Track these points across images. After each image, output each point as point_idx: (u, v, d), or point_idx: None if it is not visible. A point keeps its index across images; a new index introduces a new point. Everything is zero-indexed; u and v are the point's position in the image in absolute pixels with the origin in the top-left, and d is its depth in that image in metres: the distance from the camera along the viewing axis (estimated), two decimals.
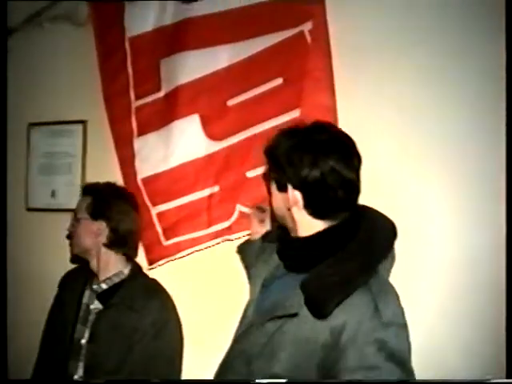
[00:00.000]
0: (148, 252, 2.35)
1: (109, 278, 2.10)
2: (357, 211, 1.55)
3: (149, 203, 2.32)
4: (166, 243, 2.30)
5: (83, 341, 2.04)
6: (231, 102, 2.20)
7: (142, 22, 2.37)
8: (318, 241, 1.52)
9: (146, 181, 2.33)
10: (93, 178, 2.42)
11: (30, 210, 2.58)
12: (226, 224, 2.19)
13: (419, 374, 1.73)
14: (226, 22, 2.20)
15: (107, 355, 1.99)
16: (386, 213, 1.57)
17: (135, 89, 2.36)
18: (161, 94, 2.32)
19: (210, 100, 2.22)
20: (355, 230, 1.51)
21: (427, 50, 1.96)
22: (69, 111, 2.51)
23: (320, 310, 1.40)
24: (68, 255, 2.28)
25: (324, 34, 2.04)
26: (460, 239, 1.91)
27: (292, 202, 1.52)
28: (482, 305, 1.88)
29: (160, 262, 2.32)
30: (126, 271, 2.13)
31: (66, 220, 2.36)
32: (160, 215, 2.32)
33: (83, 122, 2.50)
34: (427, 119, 1.95)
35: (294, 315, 1.43)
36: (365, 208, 1.61)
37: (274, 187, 1.59)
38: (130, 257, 2.18)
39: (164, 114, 2.29)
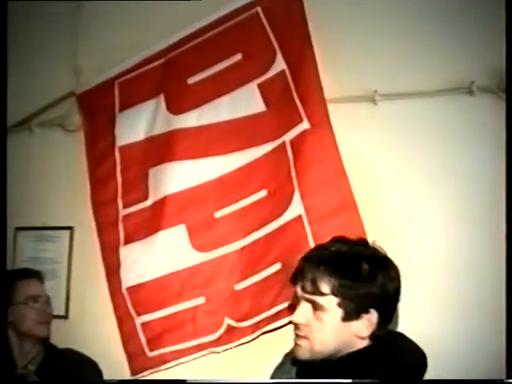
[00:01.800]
0: (131, 362, 2.31)
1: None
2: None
3: (133, 313, 2.30)
4: (150, 354, 2.27)
5: None
6: (218, 214, 2.21)
7: (132, 131, 2.42)
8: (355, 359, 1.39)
9: (130, 290, 2.31)
10: (78, 284, 2.44)
11: None
12: (213, 336, 2.16)
13: None
14: (214, 135, 2.25)
15: None
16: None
17: (123, 197, 2.39)
18: (148, 202, 2.34)
19: (197, 211, 2.24)
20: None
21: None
22: (56, 217, 2.53)
23: None
24: None
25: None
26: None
27: (370, 327, 1.39)
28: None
29: (143, 374, 2.27)
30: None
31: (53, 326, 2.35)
32: (144, 325, 2.29)
33: (70, 228, 2.51)
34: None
35: None
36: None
37: (333, 317, 1.39)
38: None
39: (151, 223, 2.30)
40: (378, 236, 1.59)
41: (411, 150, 2.04)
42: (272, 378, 1.70)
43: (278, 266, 2.09)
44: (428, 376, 1.59)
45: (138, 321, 2.29)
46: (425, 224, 2.00)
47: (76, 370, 2.13)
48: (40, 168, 2.60)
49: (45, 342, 2.23)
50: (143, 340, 2.28)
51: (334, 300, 1.38)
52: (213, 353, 2.18)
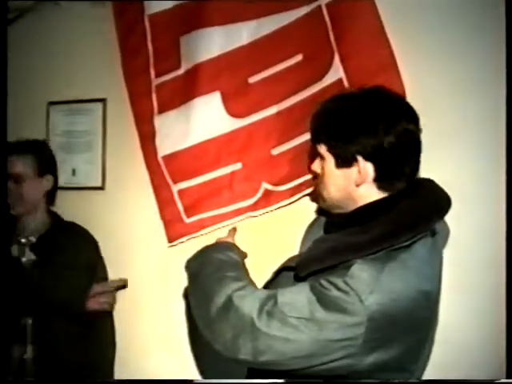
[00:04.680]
0: (168, 229, 2.35)
1: (35, 231, 2.23)
2: (415, 181, 1.46)
3: (169, 180, 2.32)
4: (187, 221, 2.30)
5: None
6: (252, 79, 2.18)
7: None
8: (370, 211, 1.42)
9: (166, 158, 2.32)
10: (113, 155, 2.45)
11: None
12: (250, 201, 2.19)
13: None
14: None
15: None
16: None
17: (155, 66, 2.35)
18: (181, 71, 2.30)
19: (231, 77, 2.20)
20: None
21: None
22: (88, 89, 2.50)
23: (297, 271, 1.43)
24: (91, 231, 2.33)
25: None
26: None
27: (363, 176, 1.41)
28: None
29: (181, 240, 2.32)
30: (48, 221, 2.30)
31: (86, 198, 2.39)
32: (181, 192, 2.31)
33: (103, 100, 2.49)
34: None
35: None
36: (423, 180, 1.52)
37: (329, 165, 1.47)
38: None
39: (184, 92, 2.28)
40: None
41: None
42: (305, 232, 1.79)
43: None
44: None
45: (175, 188, 2.31)
46: None
47: (73, 244, 2.23)
48: (69, 41, 2.54)
49: (53, 214, 2.32)
50: (180, 207, 2.31)
51: (325, 147, 1.47)
52: (250, 217, 2.21)
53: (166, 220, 2.35)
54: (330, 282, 1.31)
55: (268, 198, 2.16)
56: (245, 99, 2.19)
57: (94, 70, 2.48)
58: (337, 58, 2.03)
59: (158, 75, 2.34)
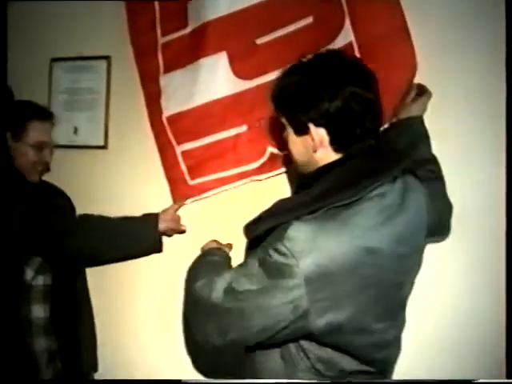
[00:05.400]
0: (173, 189, 2.33)
1: None
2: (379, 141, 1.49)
3: (173, 141, 2.30)
4: (191, 182, 2.29)
5: None
6: (260, 41, 2.14)
7: None
8: (318, 172, 1.48)
9: (171, 119, 2.29)
10: (116, 114, 2.41)
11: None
12: (254, 165, 2.17)
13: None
14: None
15: None
16: None
17: (162, 24, 2.30)
18: (187, 30, 2.26)
19: (238, 38, 2.16)
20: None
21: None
22: (93, 46, 2.46)
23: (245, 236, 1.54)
24: (92, 192, 2.33)
25: None
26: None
27: (318, 142, 1.46)
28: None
29: (186, 202, 2.30)
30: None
31: (88, 157, 2.36)
32: (184, 154, 2.29)
33: (107, 58, 2.45)
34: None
35: None
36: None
37: (290, 133, 1.53)
38: None
39: (191, 51, 2.24)
40: None
41: None
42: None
43: None
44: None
45: (179, 149, 2.29)
46: None
47: (48, 200, 2.23)
48: None
49: None
50: (184, 168, 2.29)
51: (284, 119, 1.54)
52: (254, 181, 2.19)
53: (170, 180, 2.33)
54: (274, 248, 1.35)
55: (273, 162, 2.14)
56: (252, 61, 2.15)
57: (99, 27, 2.44)
58: (347, 22, 2.00)
59: (164, 34, 2.30)
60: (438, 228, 1.74)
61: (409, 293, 1.54)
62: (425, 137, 1.87)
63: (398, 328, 1.53)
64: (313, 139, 1.46)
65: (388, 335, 1.48)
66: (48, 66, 2.55)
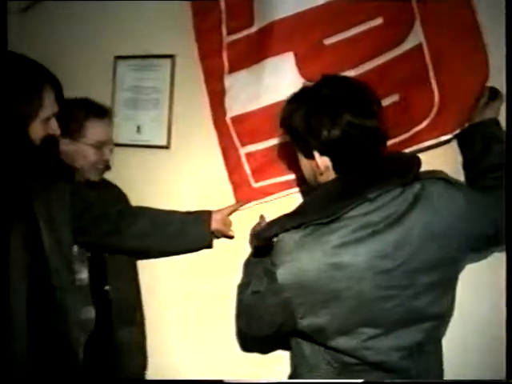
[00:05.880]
0: (237, 193, 2.30)
1: None
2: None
3: (237, 143, 2.26)
4: (254, 185, 2.25)
5: None
6: (328, 41, 2.08)
7: None
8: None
9: (235, 119, 2.25)
10: (180, 114, 2.39)
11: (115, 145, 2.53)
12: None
13: None
14: None
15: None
16: None
17: (227, 23, 2.26)
18: (253, 29, 2.21)
19: (305, 38, 2.10)
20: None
21: None
22: (157, 45, 2.43)
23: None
24: (153, 192, 2.32)
25: None
26: None
27: (322, 168, 1.56)
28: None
29: (248, 205, 2.27)
30: None
31: (150, 156, 2.35)
32: (249, 156, 2.25)
33: (172, 57, 2.42)
34: None
35: None
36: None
37: (300, 155, 1.64)
38: None
39: (256, 51, 2.19)
40: None
41: None
42: None
43: (395, 98, 2.01)
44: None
45: (243, 151, 2.26)
46: None
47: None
48: None
49: None
50: (248, 171, 2.26)
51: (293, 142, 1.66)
52: None
53: (234, 183, 2.30)
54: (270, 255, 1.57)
55: None
56: (319, 62, 2.09)
57: (164, 26, 2.40)
58: (417, 22, 1.95)
59: (229, 33, 2.26)
60: (494, 238, 1.68)
61: (430, 304, 1.56)
62: (499, 139, 1.81)
63: (402, 338, 1.56)
64: (318, 166, 1.57)
65: (387, 341, 1.55)
66: (112, 63, 2.54)
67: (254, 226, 2.08)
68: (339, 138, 1.50)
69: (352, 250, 1.47)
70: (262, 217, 2.08)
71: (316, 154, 1.56)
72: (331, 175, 1.58)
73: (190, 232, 2.18)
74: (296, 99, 1.62)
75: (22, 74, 1.72)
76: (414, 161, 1.60)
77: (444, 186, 1.57)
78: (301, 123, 1.56)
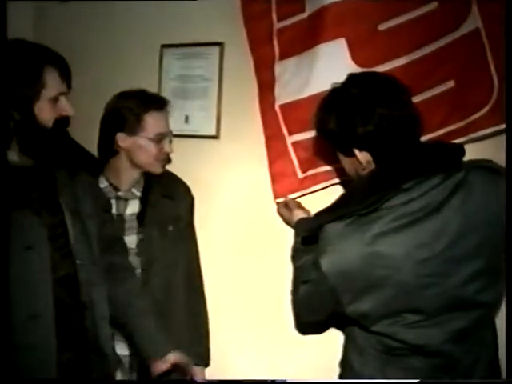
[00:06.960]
0: (276, 184, 2.25)
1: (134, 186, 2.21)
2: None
3: (285, 131, 2.21)
4: (301, 175, 2.21)
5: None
6: (382, 27, 2.02)
7: None
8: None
9: (284, 107, 2.20)
10: (229, 103, 2.35)
11: None
12: None
13: None
14: None
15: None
16: None
17: (278, 9, 2.21)
18: (305, 15, 2.16)
19: (358, 23, 2.04)
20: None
21: None
22: (205, 32, 2.40)
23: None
24: (202, 183, 2.30)
25: None
26: None
27: (365, 163, 1.61)
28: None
29: (292, 196, 2.22)
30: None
31: (199, 147, 2.31)
32: (295, 145, 2.21)
33: (220, 44, 2.38)
34: None
35: None
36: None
37: (340, 155, 1.70)
38: None
39: (308, 37, 2.14)
40: None
41: None
42: None
43: (450, 84, 1.96)
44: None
45: (290, 140, 2.21)
46: None
47: (170, 191, 2.19)
48: None
49: None
50: (295, 160, 2.21)
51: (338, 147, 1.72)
52: None
53: (275, 173, 2.25)
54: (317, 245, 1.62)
55: None
56: (373, 47, 2.03)
57: (212, 13, 2.37)
58: (475, 7, 1.90)
59: (280, 19, 2.21)
60: None
61: (477, 292, 1.55)
62: None
63: (446, 324, 1.56)
64: (360, 162, 1.62)
65: (429, 327, 1.56)
66: (159, 52, 2.51)
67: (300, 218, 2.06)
68: (374, 132, 1.54)
69: (391, 239, 1.50)
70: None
71: (356, 151, 1.60)
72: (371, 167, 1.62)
73: None
74: (327, 103, 1.67)
75: (20, 55, 1.69)
76: (457, 149, 1.62)
77: (489, 174, 1.57)
78: (335, 125, 1.61)
